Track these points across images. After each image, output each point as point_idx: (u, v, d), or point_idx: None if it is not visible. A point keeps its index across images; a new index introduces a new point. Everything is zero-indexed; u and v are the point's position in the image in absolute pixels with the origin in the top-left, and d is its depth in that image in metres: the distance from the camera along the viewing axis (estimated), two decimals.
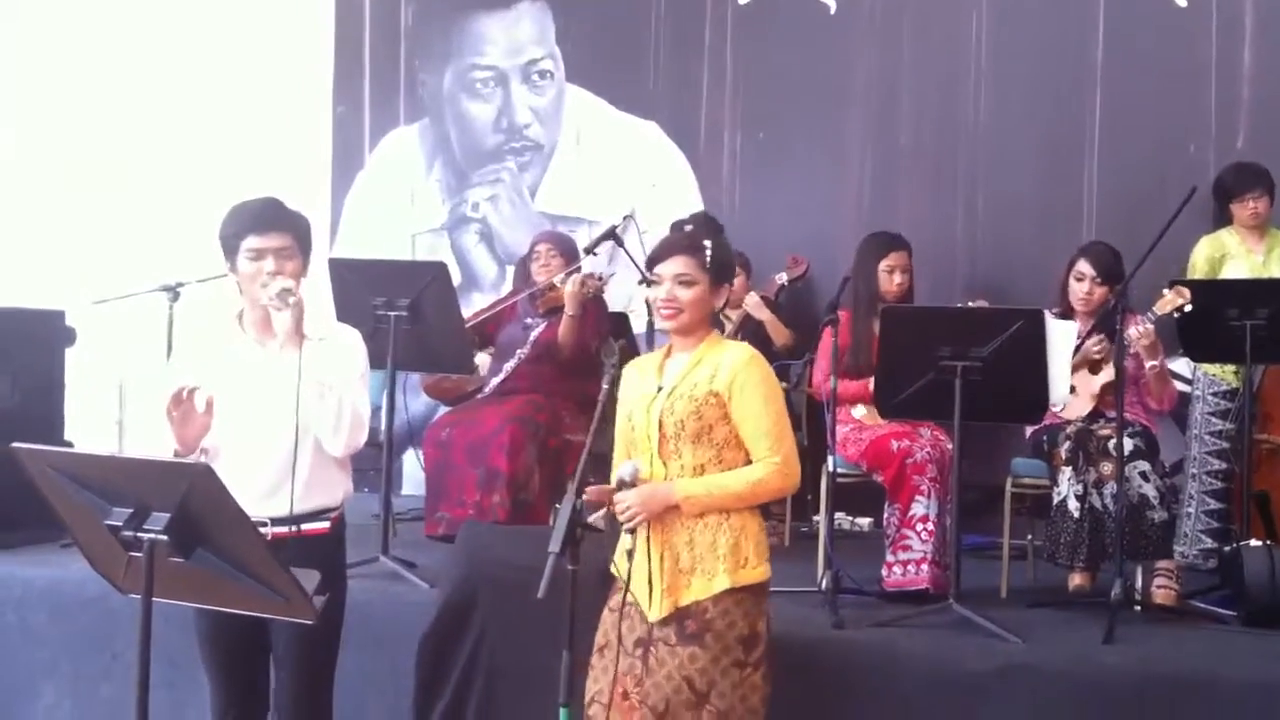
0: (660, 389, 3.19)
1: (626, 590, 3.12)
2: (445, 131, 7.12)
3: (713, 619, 3.10)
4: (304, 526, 3.23)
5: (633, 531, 3.08)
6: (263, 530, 3.09)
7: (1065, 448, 4.56)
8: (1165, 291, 4.53)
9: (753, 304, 5.67)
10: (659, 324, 3.26)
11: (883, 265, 5.02)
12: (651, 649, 3.13)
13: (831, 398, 4.68)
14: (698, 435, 3.13)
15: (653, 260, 3.24)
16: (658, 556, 3.12)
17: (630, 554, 3.08)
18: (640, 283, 5.34)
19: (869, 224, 5.93)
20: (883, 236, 5.14)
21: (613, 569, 3.20)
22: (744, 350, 3.21)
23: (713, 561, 3.11)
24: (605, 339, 5.50)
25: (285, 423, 3.19)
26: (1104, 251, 4.95)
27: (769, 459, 3.14)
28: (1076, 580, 4.62)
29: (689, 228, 3.26)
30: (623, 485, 3.10)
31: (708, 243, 3.22)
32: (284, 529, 3.17)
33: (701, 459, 3.15)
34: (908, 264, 5.08)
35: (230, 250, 3.22)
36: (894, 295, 4.98)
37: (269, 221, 3.23)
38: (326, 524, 3.28)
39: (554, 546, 2.86)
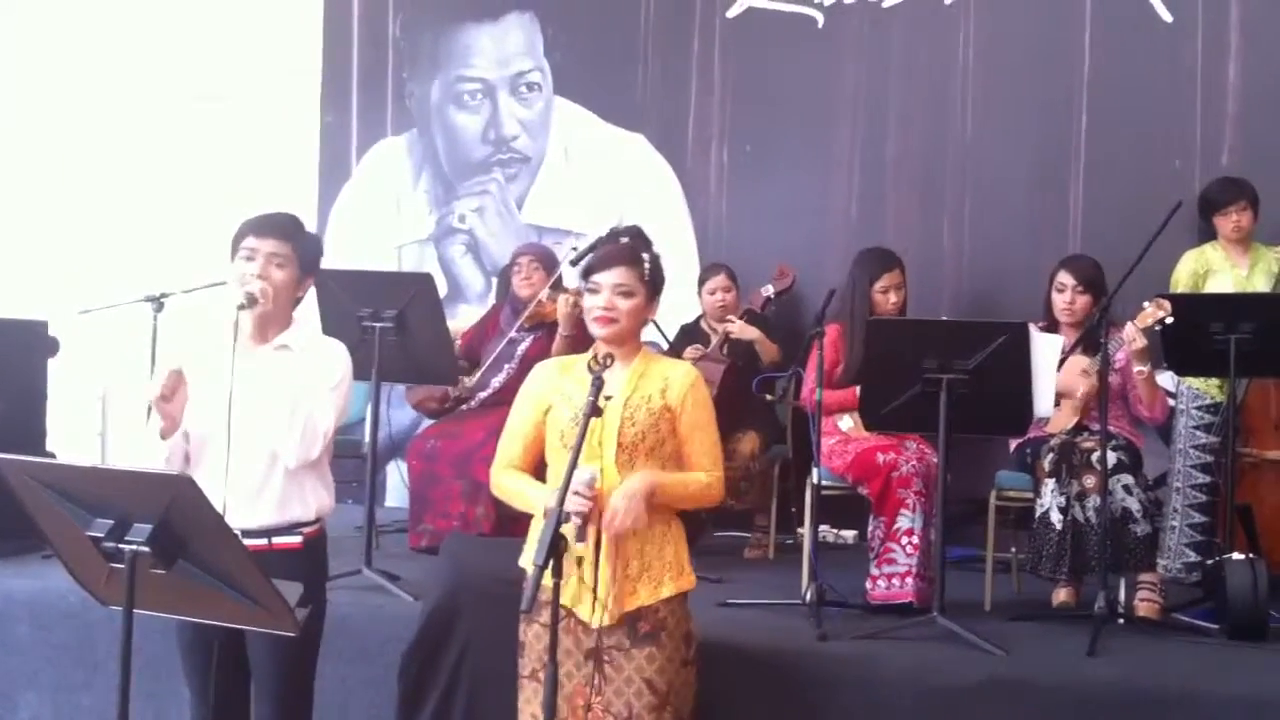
0: (609, 398, 3.16)
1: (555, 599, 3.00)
2: (433, 143, 7.12)
3: (665, 618, 3.16)
4: (275, 540, 3.19)
5: (583, 537, 3.03)
6: None
7: (1048, 460, 4.57)
8: (1145, 305, 4.54)
9: (736, 328, 5.62)
10: (594, 331, 3.24)
11: (877, 287, 5.05)
12: (606, 657, 3.13)
13: (817, 410, 4.68)
14: (653, 448, 3.18)
15: (590, 269, 3.27)
16: (607, 566, 3.11)
17: (580, 560, 3.05)
18: None
19: (857, 236, 5.95)
20: (877, 255, 5.15)
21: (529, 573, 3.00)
22: (689, 369, 3.31)
23: (660, 569, 3.17)
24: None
25: (255, 432, 3.17)
26: (1083, 261, 4.99)
27: (712, 472, 3.24)
28: (1061, 597, 4.63)
29: (625, 239, 3.26)
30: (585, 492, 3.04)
31: (646, 255, 3.25)
32: (256, 542, 3.11)
33: (653, 469, 3.18)
34: (902, 282, 5.12)
35: (233, 252, 3.25)
36: (889, 314, 5.00)
37: (269, 226, 3.25)
38: (299, 539, 3.24)
39: (536, 559, 2.85)
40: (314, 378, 3.22)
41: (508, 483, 3.26)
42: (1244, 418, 5.19)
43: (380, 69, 7.22)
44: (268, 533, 3.18)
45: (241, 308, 3.15)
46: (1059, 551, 4.47)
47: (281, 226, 3.28)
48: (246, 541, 3.02)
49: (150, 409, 3.10)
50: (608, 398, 3.11)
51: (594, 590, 3.10)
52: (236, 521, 3.06)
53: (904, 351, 4.32)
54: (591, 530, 3.07)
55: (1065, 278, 4.92)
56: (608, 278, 3.21)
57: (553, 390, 3.25)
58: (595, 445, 3.15)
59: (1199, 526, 5.23)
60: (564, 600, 3.07)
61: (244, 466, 3.17)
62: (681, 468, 3.23)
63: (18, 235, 7.45)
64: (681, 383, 3.23)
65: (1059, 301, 4.92)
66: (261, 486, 3.19)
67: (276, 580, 2.70)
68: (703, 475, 3.23)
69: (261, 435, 3.17)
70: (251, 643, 3.17)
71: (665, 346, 5.76)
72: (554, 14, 6.91)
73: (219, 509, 2.98)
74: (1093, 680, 3.91)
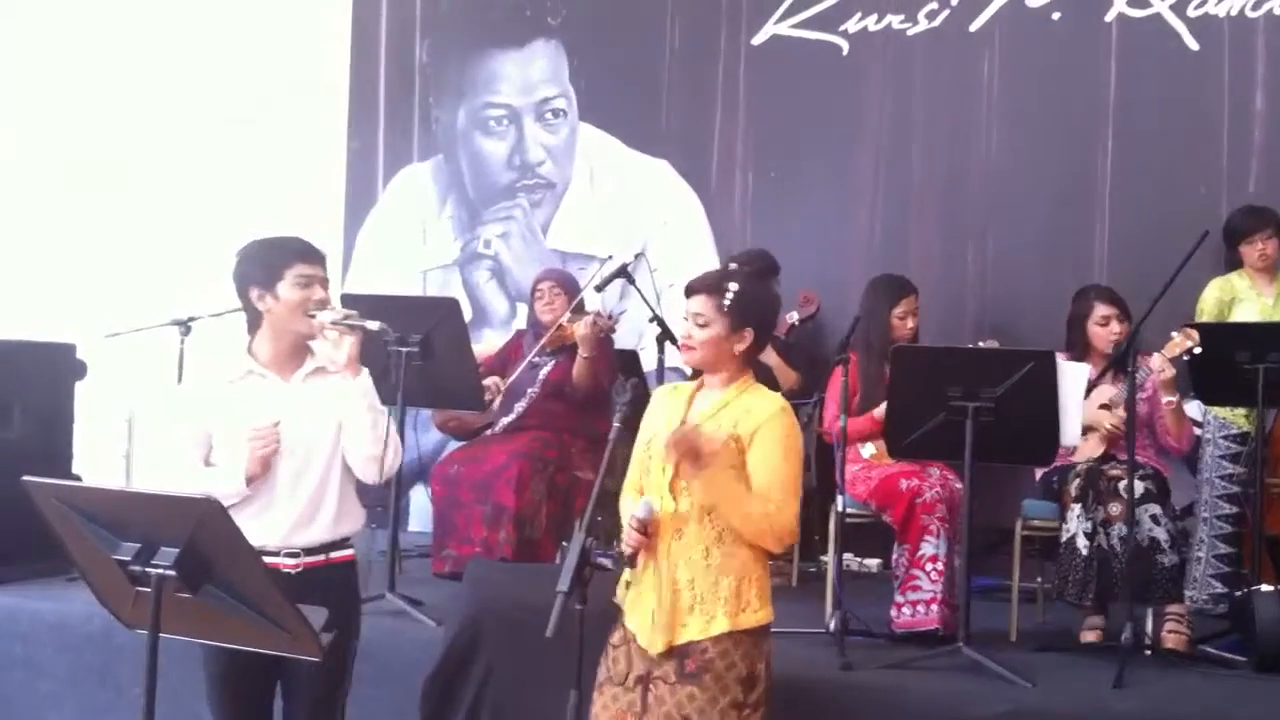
0: (683, 424, 3.18)
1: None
2: (458, 168, 7.16)
3: (712, 659, 3.07)
4: (332, 554, 3.27)
5: (633, 564, 3.09)
6: (295, 562, 3.17)
7: (1075, 485, 4.54)
8: (1174, 334, 4.52)
9: None
10: (685, 360, 3.27)
11: (896, 312, 5.04)
12: (651, 686, 3.10)
13: (841, 437, 4.67)
14: None
15: (686, 292, 3.26)
16: (659, 591, 3.09)
17: (628, 585, 3.11)
18: (651, 320, 5.35)
19: (879, 263, 5.93)
20: (894, 281, 5.15)
21: (617, 601, 3.20)
22: (776, 400, 3.17)
23: (713, 603, 3.08)
24: (617, 377, 5.50)
25: (316, 452, 3.23)
26: (1110, 290, 5.00)
27: (783, 509, 3.07)
28: (1089, 638, 4.57)
29: (733, 266, 3.25)
30: (641, 525, 3.07)
31: (733, 284, 3.19)
32: (315, 558, 3.23)
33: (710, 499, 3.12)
34: (917, 308, 5.11)
35: (270, 279, 3.20)
36: (906, 339, 5.00)
37: (312, 252, 3.29)
38: (351, 550, 3.34)
39: (562, 585, 2.84)
40: (366, 394, 3.28)
41: (622, 505, 3.28)
42: (1272, 447, 5.15)
43: (407, 95, 7.27)
44: (326, 548, 3.25)
45: (344, 335, 3.20)
46: (1085, 577, 4.44)
47: (317, 251, 3.31)
48: (306, 559, 3.18)
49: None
50: (682, 422, 3.14)
51: (651, 617, 3.09)
52: (300, 540, 3.19)
53: (929, 379, 4.31)
54: (644, 558, 3.08)
55: (1106, 309, 4.89)
56: (690, 305, 3.21)
57: (654, 412, 3.28)
58: (660, 470, 3.14)
59: (1225, 557, 5.19)
60: (629, 623, 3.11)
61: (303, 491, 3.22)
62: None
63: (46, 258, 7.50)
64: (761, 413, 3.11)
65: (1104, 335, 4.86)
66: (319, 506, 3.25)
67: (302, 605, 2.71)
68: (763, 509, 3.05)
69: (317, 458, 3.23)
70: (292, 661, 3.18)
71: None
72: (579, 41, 6.94)
73: (283, 530, 3.14)
74: (1119, 713, 3.88)
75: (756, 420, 3.10)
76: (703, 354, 3.19)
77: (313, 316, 3.21)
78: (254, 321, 3.28)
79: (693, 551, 3.10)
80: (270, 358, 3.26)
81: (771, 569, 5.64)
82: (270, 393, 3.24)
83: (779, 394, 3.25)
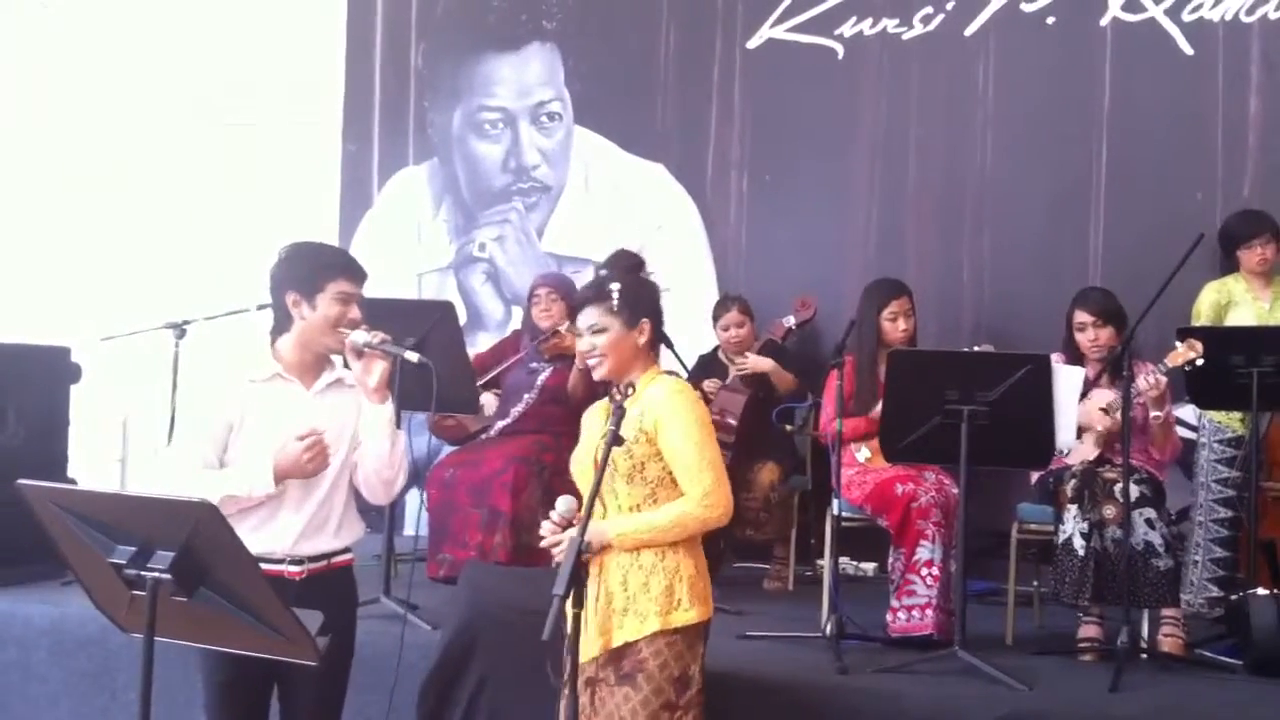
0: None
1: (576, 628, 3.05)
2: (453, 171, 7.15)
3: (645, 659, 3.10)
4: (333, 560, 3.28)
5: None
6: (299, 569, 3.18)
7: (1071, 486, 4.54)
8: (1178, 344, 4.51)
9: (750, 364, 5.60)
10: (596, 375, 3.28)
11: (885, 314, 5.06)
12: (596, 689, 3.14)
13: (836, 441, 4.68)
14: (630, 475, 3.15)
15: (573, 316, 3.32)
16: (593, 596, 3.12)
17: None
18: None
19: (875, 267, 5.94)
20: (883, 284, 5.18)
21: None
22: (668, 385, 3.22)
23: (645, 603, 3.11)
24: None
25: (333, 467, 3.22)
26: (1094, 294, 4.99)
27: (690, 493, 3.13)
28: (1087, 633, 4.57)
29: (603, 272, 3.34)
30: (564, 520, 3.12)
31: (614, 285, 3.24)
32: (318, 564, 3.23)
33: (636, 498, 3.16)
34: (910, 309, 5.11)
35: (311, 288, 3.18)
36: (899, 341, 5.01)
37: (359, 271, 3.28)
38: (351, 554, 3.35)
39: (558, 589, 2.84)
40: (393, 420, 3.31)
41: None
42: (1267, 452, 5.15)
43: (402, 98, 7.26)
44: (328, 556, 3.26)
45: (382, 358, 3.22)
46: (1081, 578, 4.43)
47: (361, 270, 3.30)
48: (311, 566, 3.19)
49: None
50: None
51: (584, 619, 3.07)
52: (307, 548, 3.20)
53: (925, 383, 4.31)
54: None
55: (1082, 316, 4.90)
56: (583, 321, 3.26)
57: (590, 427, 3.31)
58: (585, 473, 3.19)
59: (1221, 561, 5.19)
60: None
61: (313, 501, 3.22)
62: (679, 491, 3.17)
63: (41, 261, 7.50)
64: (658, 402, 3.17)
65: (1083, 341, 4.89)
66: (326, 517, 3.25)
67: (298, 609, 2.70)
68: (677, 505, 3.13)
69: (339, 469, 3.23)
70: (292, 667, 3.16)
71: (684, 374, 5.75)
72: (575, 44, 6.94)
73: (291, 537, 3.15)
74: (1115, 716, 3.88)
75: (657, 410, 3.16)
76: (611, 361, 3.22)
77: (345, 334, 3.20)
78: (282, 323, 3.25)
79: (623, 555, 3.14)
80: (293, 363, 3.25)
81: (769, 572, 5.75)
82: (294, 399, 3.22)
83: (675, 377, 3.28)
